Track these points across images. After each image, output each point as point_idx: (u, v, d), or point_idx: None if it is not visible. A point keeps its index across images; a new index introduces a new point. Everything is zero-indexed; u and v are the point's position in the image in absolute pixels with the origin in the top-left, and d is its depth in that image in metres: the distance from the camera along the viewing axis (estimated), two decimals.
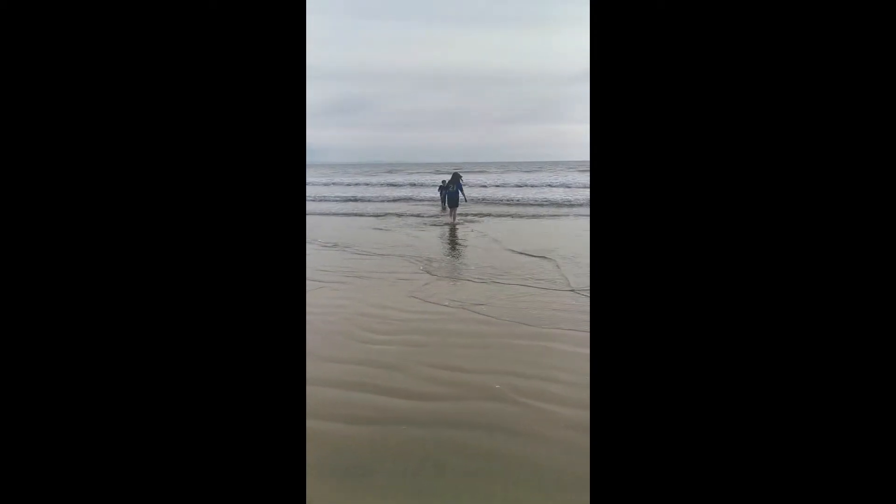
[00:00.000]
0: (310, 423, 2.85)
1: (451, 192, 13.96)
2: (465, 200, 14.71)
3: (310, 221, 12.51)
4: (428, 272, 7.00)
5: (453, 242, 10.03)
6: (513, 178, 35.25)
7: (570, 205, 18.16)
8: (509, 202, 20.08)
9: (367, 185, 32.84)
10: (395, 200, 21.94)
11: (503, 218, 14.63)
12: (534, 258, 7.92)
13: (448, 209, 14.25)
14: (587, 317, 4.69)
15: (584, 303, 5.27)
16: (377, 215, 15.96)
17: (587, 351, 3.86)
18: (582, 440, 2.64)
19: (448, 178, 15.15)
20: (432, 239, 10.50)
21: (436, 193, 19.54)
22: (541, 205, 18.84)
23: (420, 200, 21.63)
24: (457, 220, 13.41)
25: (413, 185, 30.59)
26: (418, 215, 15.77)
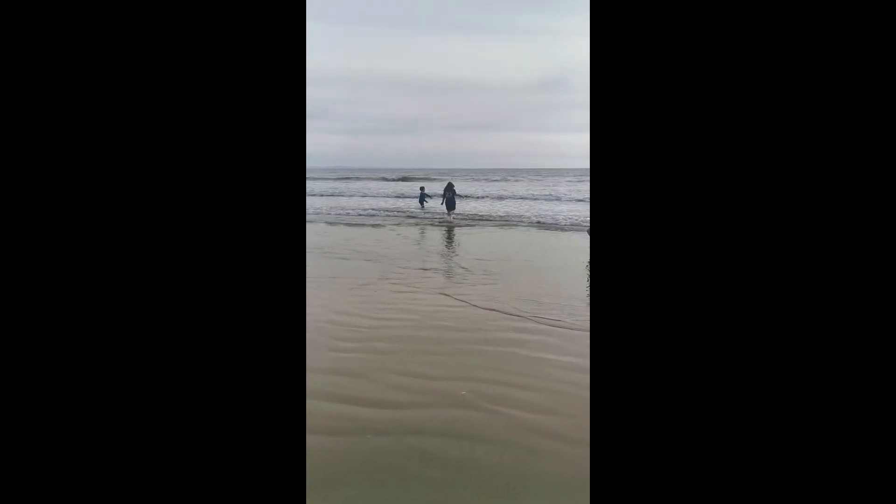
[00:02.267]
0: None
1: (448, 198, 16.28)
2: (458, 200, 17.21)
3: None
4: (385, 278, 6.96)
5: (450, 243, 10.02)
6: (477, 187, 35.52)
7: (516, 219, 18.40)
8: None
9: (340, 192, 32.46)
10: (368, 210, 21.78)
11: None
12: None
13: (448, 212, 16.54)
14: (546, 325, 4.76)
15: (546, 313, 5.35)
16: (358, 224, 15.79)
17: (551, 357, 3.92)
18: (547, 445, 2.67)
19: (425, 185, 19.52)
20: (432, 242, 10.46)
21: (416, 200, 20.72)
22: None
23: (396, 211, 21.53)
24: (455, 222, 15.23)
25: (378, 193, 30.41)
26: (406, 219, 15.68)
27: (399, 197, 25.94)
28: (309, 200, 24.17)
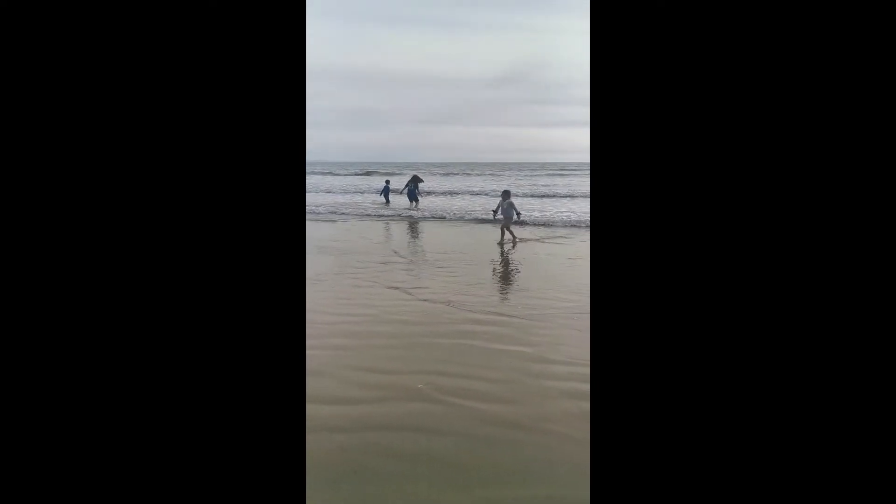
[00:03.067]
0: None
1: (409, 189, 17.48)
2: (420, 196, 17.97)
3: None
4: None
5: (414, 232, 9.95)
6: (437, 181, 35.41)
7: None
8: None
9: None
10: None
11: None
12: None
13: (412, 203, 17.35)
14: (501, 314, 4.81)
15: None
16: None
17: (506, 347, 3.98)
18: (504, 434, 2.71)
19: (390, 178, 20.55)
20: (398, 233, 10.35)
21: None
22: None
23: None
24: (419, 212, 15.80)
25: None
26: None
27: (358, 193, 25.63)
28: None
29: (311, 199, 21.48)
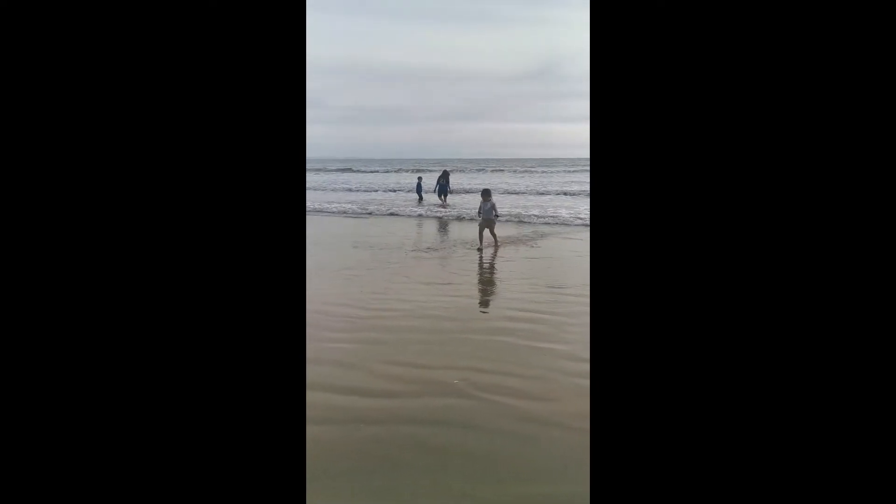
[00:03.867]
0: None
1: (441, 185, 17.96)
2: (451, 192, 18.48)
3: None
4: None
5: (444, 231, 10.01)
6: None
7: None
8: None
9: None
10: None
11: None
12: None
13: (442, 198, 17.83)
14: (543, 314, 4.78)
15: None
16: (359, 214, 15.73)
17: (541, 344, 3.94)
18: (538, 432, 2.69)
19: (423, 175, 21.33)
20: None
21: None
22: None
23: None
24: (448, 209, 15.80)
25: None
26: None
27: (389, 190, 25.82)
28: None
29: (341, 196, 21.79)
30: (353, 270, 6.84)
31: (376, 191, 24.83)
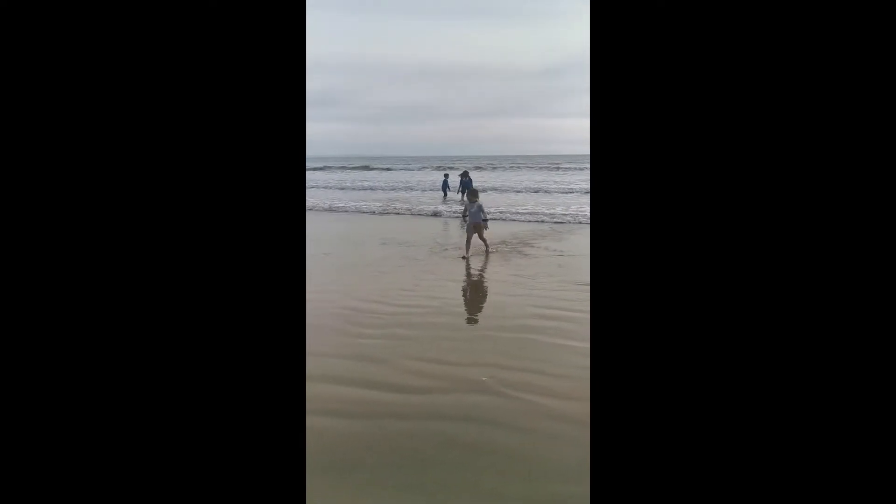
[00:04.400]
0: None
1: (465, 182, 17.82)
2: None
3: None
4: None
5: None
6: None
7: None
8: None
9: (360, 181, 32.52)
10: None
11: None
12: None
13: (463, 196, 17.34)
14: (575, 311, 4.73)
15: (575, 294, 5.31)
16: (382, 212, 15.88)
17: (570, 343, 3.90)
18: (567, 430, 2.67)
19: (449, 172, 21.15)
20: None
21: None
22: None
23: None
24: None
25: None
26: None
27: (411, 189, 25.91)
28: (327, 191, 24.31)
29: (367, 195, 21.98)
30: (381, 267, 6.89)
31: (401, 189, 24.93)
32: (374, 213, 14.97)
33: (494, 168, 46.44)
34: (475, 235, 7.84)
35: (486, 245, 7.97)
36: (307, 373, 3.34)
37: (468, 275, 6.46)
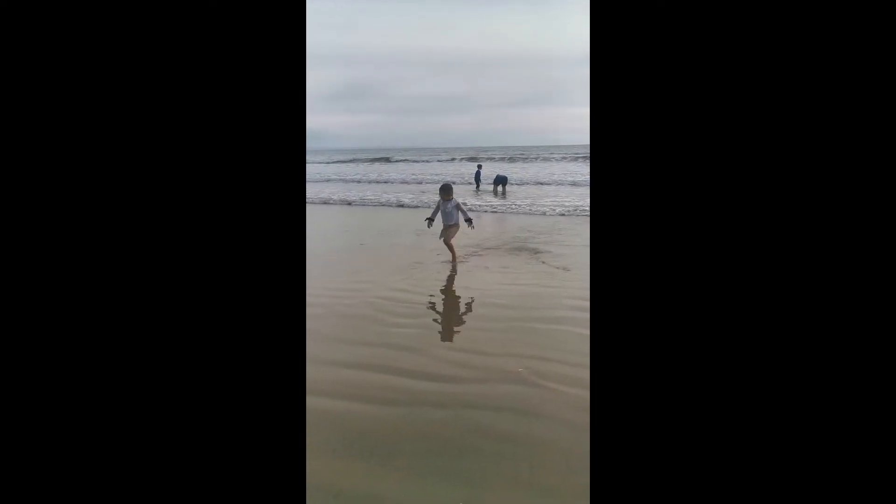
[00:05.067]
0: (333, 404, 2.88)
1: (499, 175, 18.19)
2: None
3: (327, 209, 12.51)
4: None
5: None
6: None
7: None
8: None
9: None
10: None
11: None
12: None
13: (497, 188, 17.71)
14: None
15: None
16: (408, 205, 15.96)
17: None
18: None
19: (482, 163, 21.74)
20: None
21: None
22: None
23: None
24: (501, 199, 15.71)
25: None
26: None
27: (443, 180, 25.89)
28: (356, 185, 24.52)
29: (398, 187, 22.07)
30: (414, 257, 6.92)
31: (432, 181, 24.93)
32: (401, 205, 15.01)
33: (526, 159, 45.85)
34: (449, 238, 6.71)
35: (453, 253, 6.64)
36: (342, 360, 3.39)
37: (502, 266, 6.42)
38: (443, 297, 5.03)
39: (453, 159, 49.72)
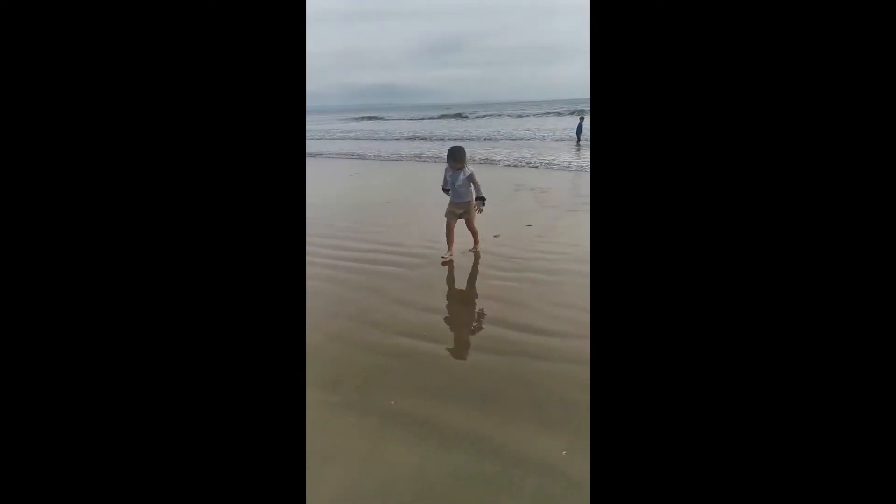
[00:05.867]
0: (441, 349, 3.02)
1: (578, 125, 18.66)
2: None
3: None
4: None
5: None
6: None
7: None
8: None
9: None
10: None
11: None
12: None
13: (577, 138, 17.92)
14: None
15: None
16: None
17: None
18: None
19: (584, 116, 20.53)
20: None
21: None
22: None
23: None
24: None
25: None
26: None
27: (544, 140, 25.07)
28: (463, 142, 24.48)
29: (492, 144, 21.73)
30: (515, 211, 6.88)
31: (531, 139, 24.24)
32: (497, 163, 14.82)
33: None
34: (461, 222, 4.95)
35: (476, 239, 5.11)
36: (442, 308, 3.48)
37: None
38: (541, 252, 4.98)
39: (549, 113, 47.89)
